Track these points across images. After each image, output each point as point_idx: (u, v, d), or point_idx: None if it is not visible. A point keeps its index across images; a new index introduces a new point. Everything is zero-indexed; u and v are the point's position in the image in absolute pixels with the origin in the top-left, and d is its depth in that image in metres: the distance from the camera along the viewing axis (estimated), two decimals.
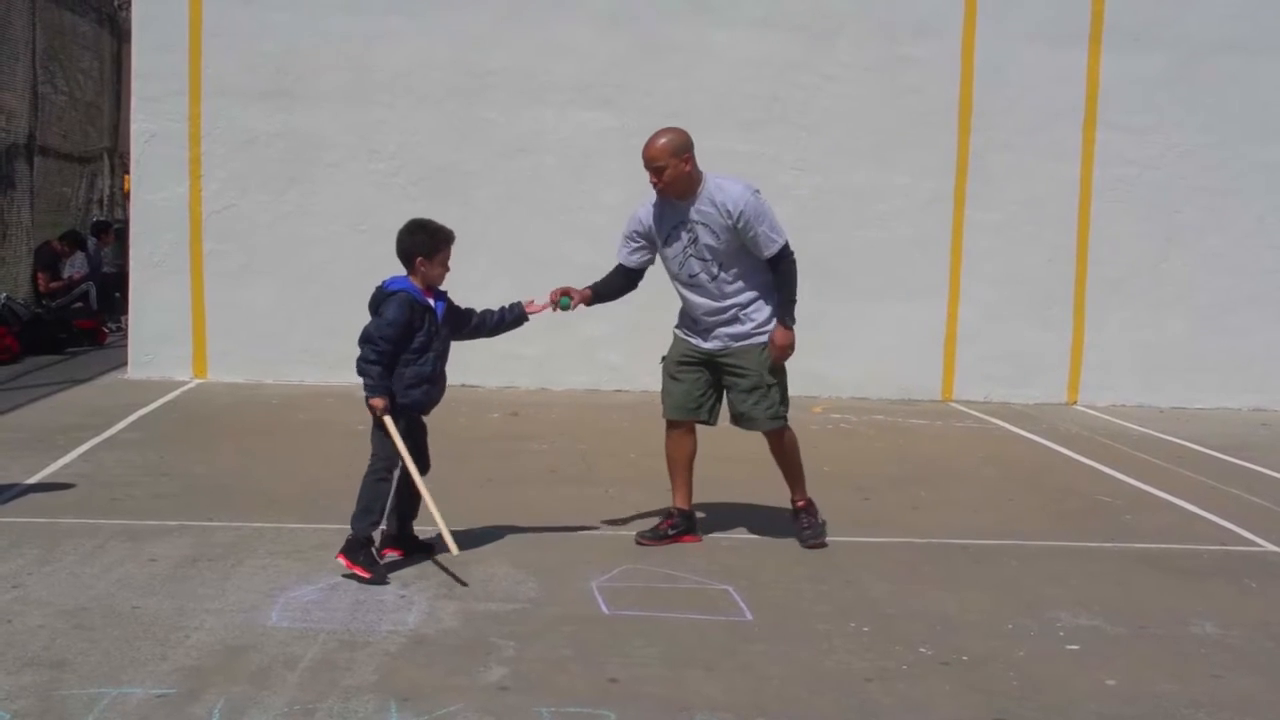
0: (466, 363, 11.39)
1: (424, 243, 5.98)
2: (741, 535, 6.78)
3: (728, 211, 6.27)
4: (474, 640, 4.99)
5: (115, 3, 18.30)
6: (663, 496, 7.61)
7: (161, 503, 7.01)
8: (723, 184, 6.37)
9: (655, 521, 6.70)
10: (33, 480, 7.43)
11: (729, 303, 6.43)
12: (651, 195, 6.52)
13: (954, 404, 11.91)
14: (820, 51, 11.89)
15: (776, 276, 6.42)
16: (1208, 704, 4.64)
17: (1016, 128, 12.02)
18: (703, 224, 6.34)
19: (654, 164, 6.34)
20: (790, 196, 11.99)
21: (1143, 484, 8.53)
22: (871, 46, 11.91)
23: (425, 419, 6.11)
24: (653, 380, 11.73)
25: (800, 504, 6.72)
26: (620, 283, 6.82)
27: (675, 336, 6.74)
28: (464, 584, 5.64)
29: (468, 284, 11.49)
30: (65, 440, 8.60)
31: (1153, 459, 9.46)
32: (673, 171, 6.30)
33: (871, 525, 7.10)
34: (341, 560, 5.65)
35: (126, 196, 18.11)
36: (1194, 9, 12.06)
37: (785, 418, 6.60)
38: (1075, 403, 12.18)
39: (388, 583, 5.63)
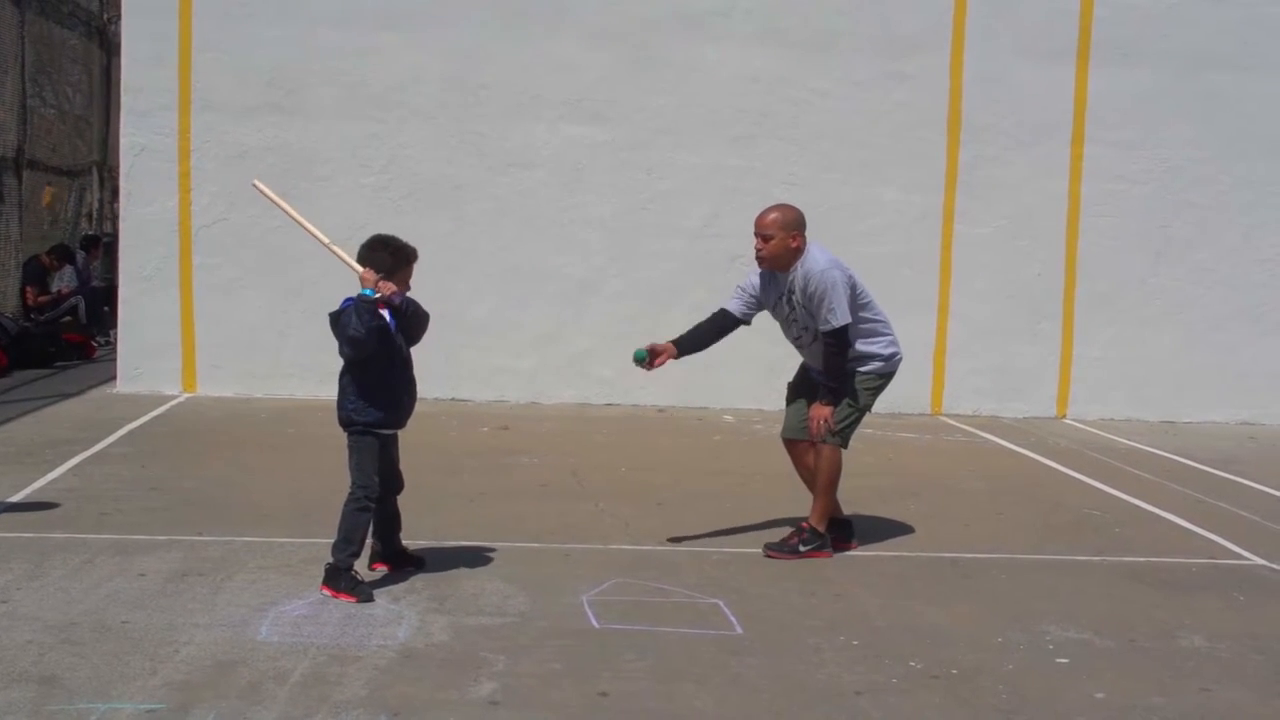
0: (457, 377, 11.51)
1: (384, 261, 5.87)
2: (732, 549, 6.78)
3: (805, 284, 6.55)
4: (464, 654, 4.99)
5: (105, 16, 18.27)
6: (651, 510, 7.63)
7: (151, 517, 6.99)
8: (811, 255, 6.61)
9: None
10: (21, 495, 7.41)
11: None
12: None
13: (943, 418, 11.93)
14: (811, 67, 11.92)
15: (824, 351, 6.61)
16: (1197, 717, 4.66)
17: (1006, 143, 12.07)
18: (796, 294, 6.63)
19: (763, 232, 6.61)
20: None
21: (1131, 498, 8.55)
22: (862, 62, 11.95)
23: (399, 435, 6.04)
24: (643, 394, 11.91)
25: (804, 524, 6.76)
26: (710, 328, 6.86)
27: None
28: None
29: (458, 296, 11.57)
30: (54, 455, 8.58)
31: (1141, 473, 9.48)
32: (778, 244, 6.57)
33: (861, 539, 7.10)
34: (326, 591, 5.62)
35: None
36: (1181, 25, 12.11)
37: (841, 437, 6.75)
38: (1064, 416, 12.20)
39: (374, 599, 5.62)
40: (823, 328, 6.54)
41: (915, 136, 12.01)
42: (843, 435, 6.76)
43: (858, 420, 6.82)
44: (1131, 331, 12.26)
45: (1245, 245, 12.32)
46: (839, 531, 6.91)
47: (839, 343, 6.56)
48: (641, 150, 11.88)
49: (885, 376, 6.84)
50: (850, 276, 6.61)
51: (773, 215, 6.62)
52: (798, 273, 6.59)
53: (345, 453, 5.85)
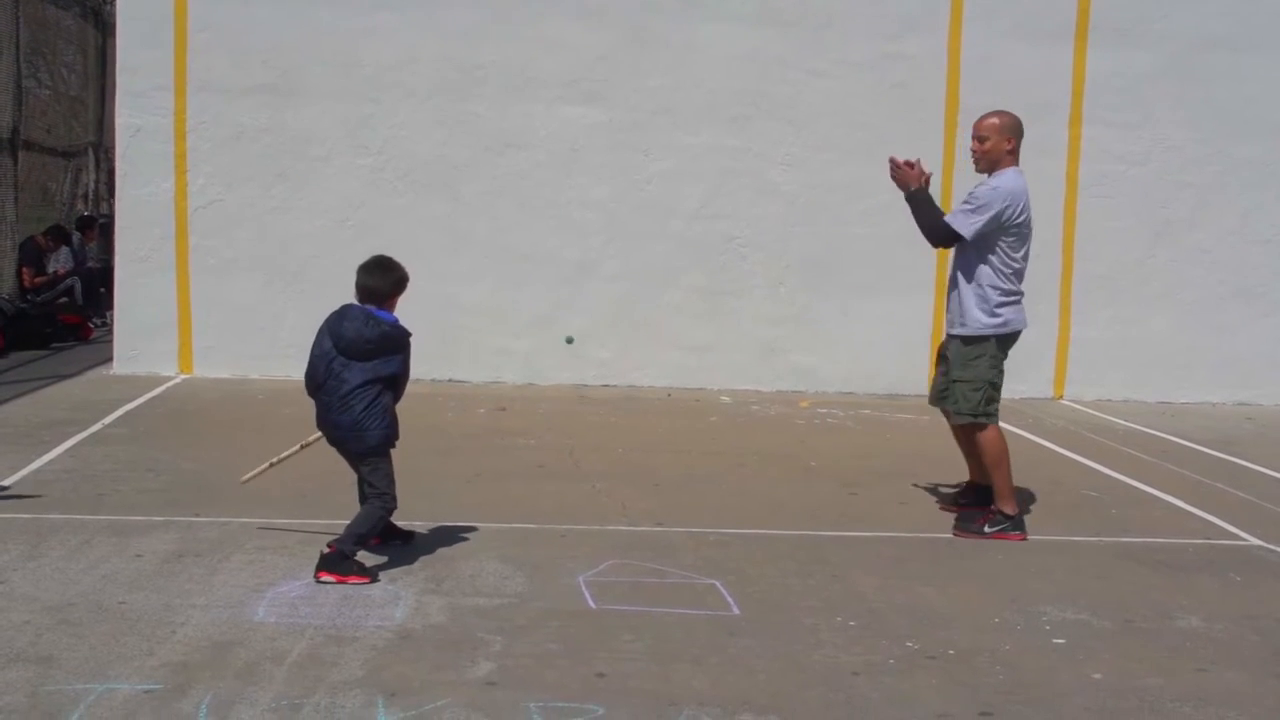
0: (454, 358, 11.50)
1: (402, 280, 5.99)
2: (729, 530, 6.78)
3: (975, 188, 6.83)
4: (461, 635, 4.99)
5: None
6: (649, 490, 7.63)
7: (147, 498, 6.99)
8: (1005, 174, 6.81)
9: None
10: (18, 476, 7.40)
11: (954, 282, 6.93)
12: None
13: None
14: (808, 47, 11.88)
15: (936, 220, 6.90)
16: (1193, 697, 4.66)
17: None
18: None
19: (978, 134, 6.91)
20: (778, 192, 12.03)
21: (1128, 478, 8.55)
22: (859, 42, 11.92)
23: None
24: (639, 375, 11.90)
25: (992, 508, 6.86)
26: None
27: None
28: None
29: (455, 278, 11.56)
30: (50, 436, 8.57)
31: (1139, 453, 9.49)
32: (993, 145, 6.85)
33: (858, 519, 7.11)
34: (331, 578, 5.56)
35: None
36: (1180, 5, 12.07)
37: (975, 415, 6.82)
38: (1061, 397, 12.21)
39: (379, 579, 5.63)
40: (948, 218, 6.81)
41: (913, 117, 11.97)
42: (986, 414, 6.80)
43: (988, 393, 6.79)
44: (1129, 313, 12.25)
45: (1243, 226, 12.30)
46: (975, 496, 7.08)
47: (944, 233, 6.81)
48: (638, 131, 11.84)
49: (1001, 343, 6.84)
50: (1011, 215, 6.69)
51: (991, 120, 6.87)
52: (987, 178, 6.83)
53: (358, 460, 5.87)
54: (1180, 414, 11.55)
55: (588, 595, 5.58)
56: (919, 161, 7.00)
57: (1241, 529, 7.25)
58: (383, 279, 5.94)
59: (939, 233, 6.86)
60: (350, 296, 6.03)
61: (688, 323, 11.92)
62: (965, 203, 6.78)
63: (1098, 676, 4.83)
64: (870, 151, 11.87)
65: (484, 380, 11.75)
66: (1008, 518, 6.80)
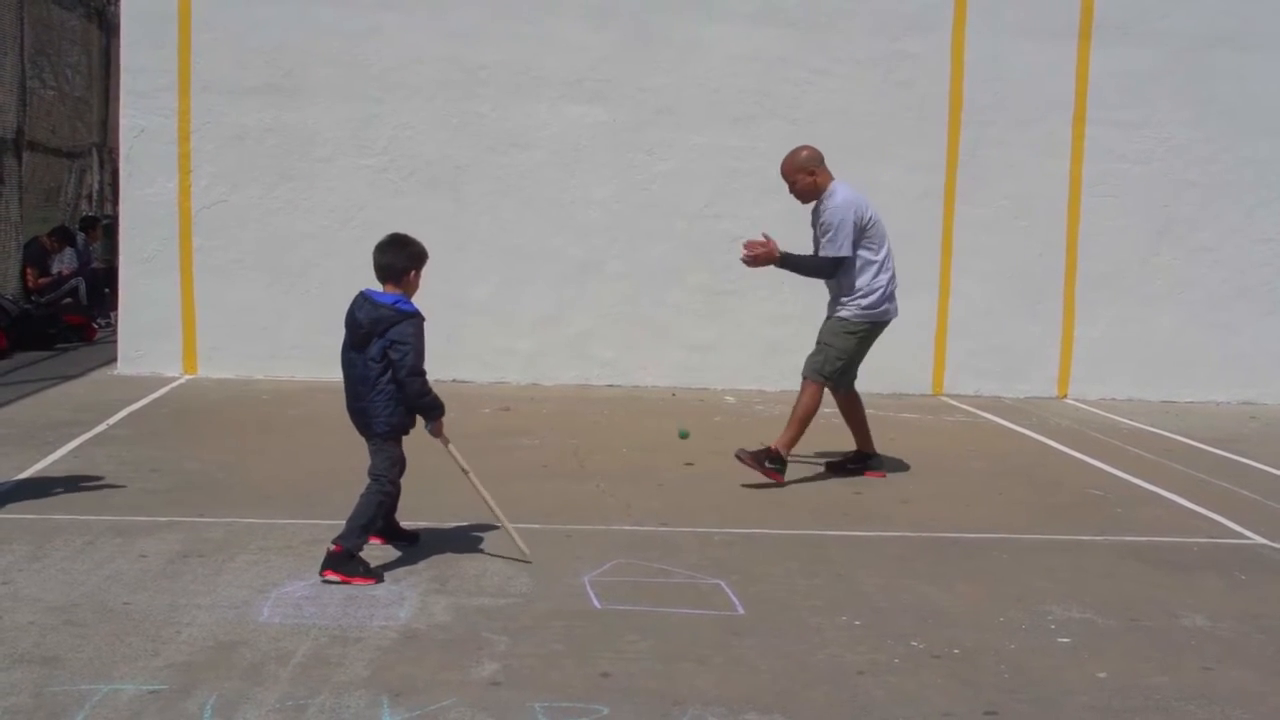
0: (457, 358, 11.49)
1: (420, 255, 5.99)
2: (734, 530, 6.78)
3: (820, 214, 7.86)
4: (466, 635, 4.99)
5: None
6: (653, 490, 7.63)
7: (152, 498, 7.00)
8: (835, 191, 7.82)
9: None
10: (22, 476, 7.41)
11: (832, 287, 7.96)
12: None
13: (945, 398, 11.92)
14: (811, 46, 11.88)
15: (813, 260, 7.91)
16: (1198, 696, 4.66)
17: (1007, 123, 12.03)
18: (815, 222, 7.96)
19: (787, 179, 7.97)
20: (781, 192, 11.96)
21: (1133, 477, 8.55)
22: (862, 41, 11.91)
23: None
24: (642, 375, 11.90)
25: (772, 446, 7.77)
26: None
27: None
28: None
29: (459, 277, 11.55)
30: (55, 436, 8.58)
31: (1143, 453, 9.48)
32: (803, 182, 7.90)
33: (863, 519, 7.11)
34: (336, 577, 5.53)
35: None
36: (1183, 3, 12.06)
37: (820, 373, 7.85)
38: (1065, 396, 12.20)
39: (384, 579, 5.63)
40: (823, 253, 7.79)
41: (916, 116, 11.97)
42: (825, 375, 7.87)
43: (838, 359, 7.87)
44: (1133, 311, 12.24)
45: (1247, 225, 12.29)
46: (866, 463, 8.15)
47: (830, 266, 7.80)
48: (642, 130, 11.84)
49: (860, 324, 7.88)
50: (861, 218, 7.75)
51: (785, 166, 7.91)
52: (823, 201, 7.83)
53: (345, 433, 5.86)
54: (1184, 413, 11.54)
55: (592, 595, 5.58)
56: (767, 237, 7.90)
57: (1246, 528, 7.24)
58: (397, 255, 5.92)
59: (824, 268, 7.84)
60: (355, 293, 6.01)
61: (691, 322, 11.92)
62: (824, 233, 7.76)
63: (1103, 675, 4.83)
64: (874, 150, 11.90)
65: (488, 380, 11.75)
66: (781, 461, 7.73)
